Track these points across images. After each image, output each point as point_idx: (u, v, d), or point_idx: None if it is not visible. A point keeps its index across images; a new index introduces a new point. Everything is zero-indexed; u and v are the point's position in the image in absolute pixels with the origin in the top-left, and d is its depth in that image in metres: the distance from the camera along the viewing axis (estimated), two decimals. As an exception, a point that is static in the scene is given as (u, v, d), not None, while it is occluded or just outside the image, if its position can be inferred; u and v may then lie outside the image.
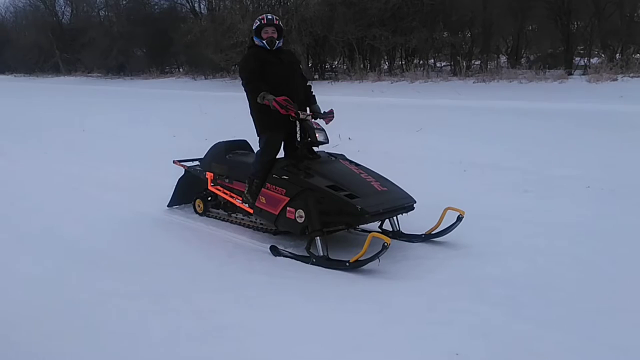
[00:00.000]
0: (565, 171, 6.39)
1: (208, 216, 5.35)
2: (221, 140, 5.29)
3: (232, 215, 5.15)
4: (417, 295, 3.49)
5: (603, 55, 15.89)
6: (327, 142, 4.42)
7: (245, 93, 4.48)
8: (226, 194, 5.05)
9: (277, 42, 4.44)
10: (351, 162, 4.64)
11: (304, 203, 4.08)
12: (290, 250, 4.33)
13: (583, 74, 14.39)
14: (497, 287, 3.58)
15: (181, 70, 29.01)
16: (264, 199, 4.41)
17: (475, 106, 11.29)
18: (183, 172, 5.55)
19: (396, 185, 4.39)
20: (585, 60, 15.90)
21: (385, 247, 3.73)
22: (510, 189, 5.92)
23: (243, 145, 5.22)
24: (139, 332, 3.11)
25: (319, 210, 4.03)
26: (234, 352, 2.88)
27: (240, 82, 4.52)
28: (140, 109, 15.09)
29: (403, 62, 20.02)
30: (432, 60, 19.69)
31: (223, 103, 14.79)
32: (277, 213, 4.30)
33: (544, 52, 17.36)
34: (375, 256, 3.78)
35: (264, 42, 4.43)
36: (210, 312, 3.33)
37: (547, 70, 14.98)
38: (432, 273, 3.85)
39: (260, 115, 4.42)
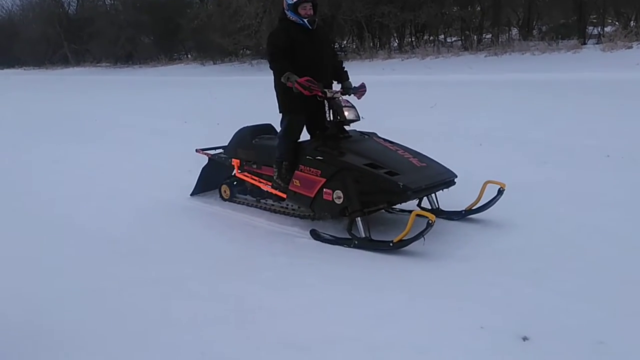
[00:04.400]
0: (583, 141, 6.31)
1: (235, 202, 5.23)
2: (246, 125, 5.10)
3: (261, 201, 5.00)
4: (440, 271, 3.46)
5: (617, 23, 15.61)
6: (359, 120, 4.24)
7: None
8: (255, 180, 4.90)
9: (317, 20, 4.24)
10: (385, 139, 4.50)
11: (342, 183, 3.94)
12: (331, 233, 4.17)
13: (597, 43, 14.16)
14: (520, 259, 3.54)
15: (189, 56, 29.00)
16: (298, 181, 4.25)
17: (488, 80, 11.17)
18: (207, 161, 5.40)
19: (435, 161, 4.25)
20: (599, 29, 15.63)
21: (430, 225, 3.60)
22: (529, 161, 5.85)
23: (268, 129, 5.05)
24: (162, 317, 3.12)
25: (358, 189, 3.91)
26: (259, 335, 2.88)
27: (267, 57, 4.31)
28: (150, 97, 15.12)
29: (413, 39, 19.83)
30: (443, 36, 19.49)
31: (233, 88, 14.77)
32: (313, 195, 4.13)
33: (556, 22, 17.09)
34: (420, 235, 3.65)
35: (305, 20, 4.17)
36: (233, 296, 3.32)
37: (560, 41, 14.77)
38: (455, 248, 3.81)
39: (283, 95, 4.27)
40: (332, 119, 4.22)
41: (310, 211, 4.40)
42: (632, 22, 15.05)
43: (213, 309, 3.17)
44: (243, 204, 5.16)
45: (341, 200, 3.96)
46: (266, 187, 4.75)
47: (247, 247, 4.14)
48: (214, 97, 13.07)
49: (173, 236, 4.48)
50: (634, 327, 2.72)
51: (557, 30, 16.24)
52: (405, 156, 4.14)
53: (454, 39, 19.30)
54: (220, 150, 5.35)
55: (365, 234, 3.90)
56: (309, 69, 4.09)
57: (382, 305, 3.08)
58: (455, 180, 4.18)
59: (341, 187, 3.94)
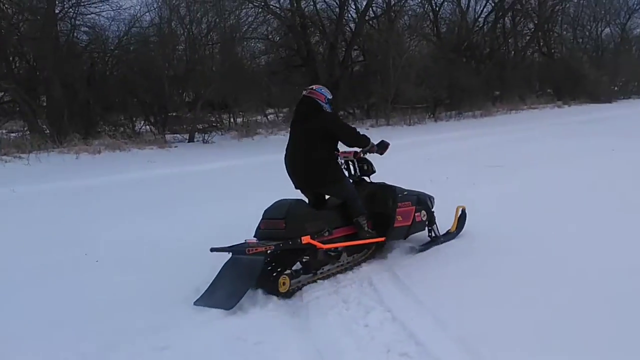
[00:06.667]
0: None
1: (295, 288, 4.36)
2: (287, 200, 4.60)
3: (320, 271, 4.63)
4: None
5: None
6: None
7: (321, 142, 4.72)
8: (337, 244, 4.78)
9: None
10: None
11: (425, 205, 5.32)
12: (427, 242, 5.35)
13: None
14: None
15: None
16: (400, 217, 5.04)
17: None
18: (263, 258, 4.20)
19: None
20: None
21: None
22: None
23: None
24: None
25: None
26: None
27: (336, 130, 4.80)
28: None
29: None
30: None
31: None
32: (409, 223, 5.13)
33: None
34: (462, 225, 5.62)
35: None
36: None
37: None
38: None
39: (335, 165, 4.90)
40: (361, 172, 5.19)
41: (402, 239, 5.20)
42: None
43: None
44: (299, 287, 4.41)
45: (425, 216, 5.31)
46: (356, 243, 4.87)
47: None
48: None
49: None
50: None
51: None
52: None
53: None
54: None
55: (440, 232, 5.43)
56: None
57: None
58: None
59: (424, 207, 5.32)
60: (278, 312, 3.87)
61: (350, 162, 5.18)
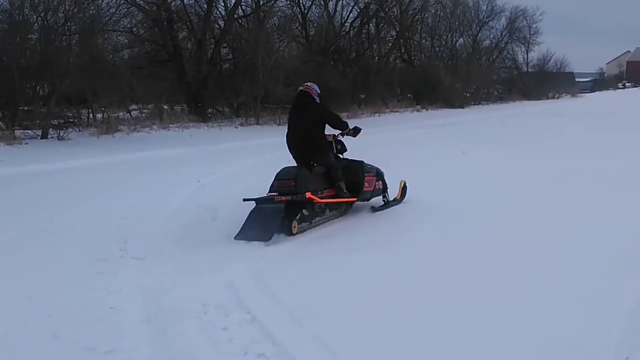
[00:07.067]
0: None
1: (300, 232, 5.78)
2: (286, 169, 6.09)
3: (313, 221, 6.05)
4: None
5: None
6: None
7: (314, 126, 6.29)
8: (326, 200, 6.20)
9: None
10: None
11: (381, 176, 6.89)
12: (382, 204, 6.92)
13: None
14: None
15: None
16: (367, 183, 6.56)
17: None
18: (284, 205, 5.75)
19: None
20: None
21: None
22: None
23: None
24: None
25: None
26: None
27: (326, 117, 6.42)
28: None
29: None
30: None
31: None
32: (372, 189, 6.68)
33: None
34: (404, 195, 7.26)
35: None
36: None
37: None
38: None
39: (325, 142, 6.44)
40: (336, 150, 6.64)
41: (366, 200, 6.80)
42: None
43: None
44: (304, 231, 5.87)
45: (381, 185, 6.89)
46: (337, 200, 6.37)
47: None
48: None
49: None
50: None
51: None
52: None
53: None
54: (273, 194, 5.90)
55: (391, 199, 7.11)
56: None
57: None
58: None
59: (381, 178, 6.90)
60: (132, 318, 3.71)
61: (329, 143, 6.62)
